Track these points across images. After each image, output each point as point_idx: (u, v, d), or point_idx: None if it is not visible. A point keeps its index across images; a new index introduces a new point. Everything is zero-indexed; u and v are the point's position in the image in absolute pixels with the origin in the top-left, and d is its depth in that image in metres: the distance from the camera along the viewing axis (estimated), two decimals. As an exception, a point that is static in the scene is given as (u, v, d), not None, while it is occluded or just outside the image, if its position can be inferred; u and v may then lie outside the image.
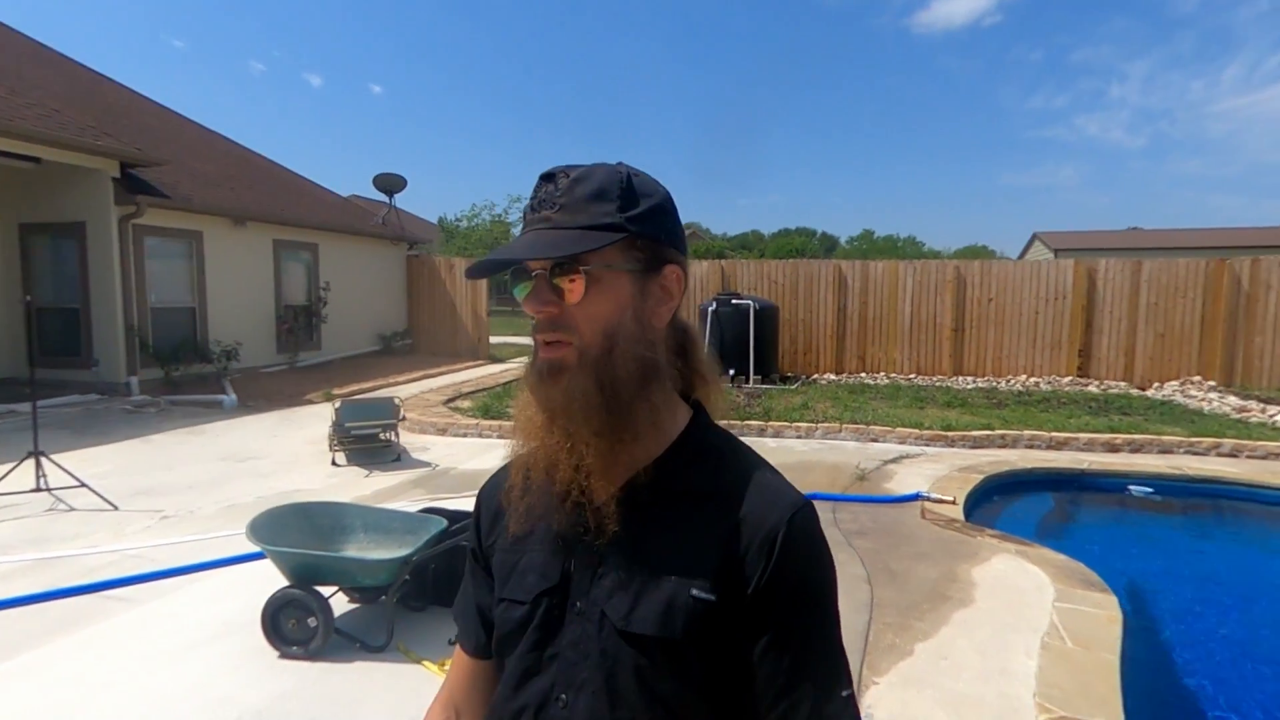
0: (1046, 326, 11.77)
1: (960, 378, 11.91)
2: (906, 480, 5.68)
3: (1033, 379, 11.61)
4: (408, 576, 2.92)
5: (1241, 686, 3.22)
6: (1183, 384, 10.96)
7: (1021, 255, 34.67)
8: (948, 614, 3.33)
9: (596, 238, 0.69)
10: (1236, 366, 11.13)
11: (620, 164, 0.75)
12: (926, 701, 2.61)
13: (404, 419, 6.97)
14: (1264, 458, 6.44)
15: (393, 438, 6.63)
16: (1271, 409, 8.90)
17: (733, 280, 13.21)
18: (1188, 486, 5.80)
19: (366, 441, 6.45)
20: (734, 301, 11.20)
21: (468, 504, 5.19)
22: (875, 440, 7.23)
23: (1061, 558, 3.96)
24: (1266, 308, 11.04)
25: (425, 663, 2.85)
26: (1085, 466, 6.15)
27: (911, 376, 12.04)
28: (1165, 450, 6.70)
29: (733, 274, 13.34)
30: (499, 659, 0.78)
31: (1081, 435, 6.97)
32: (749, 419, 7.76)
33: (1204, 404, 9.50)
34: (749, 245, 54.87)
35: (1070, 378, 11.52)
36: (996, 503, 5.58)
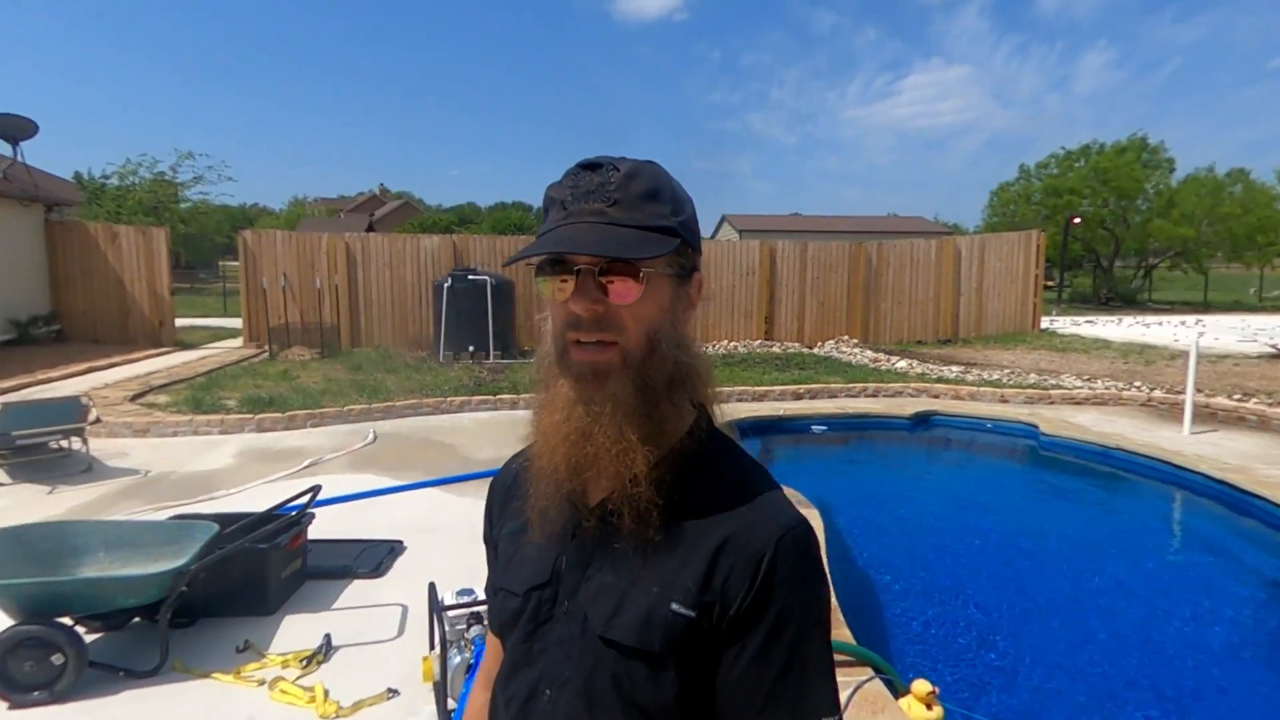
0: (741, 298, 13.80)
1: (677, 345, 13.42)
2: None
3: (733, 344, 13.56)
4: (185, 588, 2.63)
5: (897, 560, 4.42)
6: (837, 342, 13.75)
7: (713, 235, 39.56)
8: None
9: (661, 241, 0.67)
10: (870, 327, 14.29)
11: (650, 163, 0.73)
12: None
13: (97, 421, 5.80)
14: (893, 395, 8.55)
15: (75, 445, 5.50)
16: (894, 358, 11.70)
17: (465, 255, 13.07)
18: (848, 421, 7.50)
19: (35, 452, 5.27)
20: (470, 277, 11.14)
21: (221, 507, 4.59)
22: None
23: (788, 491, 4.93)
24: (888, 281, 14.33)
25: (215, 674, 2.62)
26: (782, 413, 7.56)
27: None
28: (833, 395, 8.51)
29: (465, 249, 13.20)
30: (502, 643, 0.80)
31: (776, 388, 8.50)
32: (499, 393, 7.94)
33: (852, 357, 12.08)
34: (468, 219, 53.74)
35: (760, 340, 13.70)
36: (722, 448, 6.61)
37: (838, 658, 2.67)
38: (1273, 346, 11.33)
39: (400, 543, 3.96)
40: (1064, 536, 5.01)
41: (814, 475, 6.07)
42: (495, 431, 6.72)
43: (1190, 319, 18.12)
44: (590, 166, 0.70)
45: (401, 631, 3.08)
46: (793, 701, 0.66)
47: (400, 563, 3.75)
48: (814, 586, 0.68)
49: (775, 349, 13.08)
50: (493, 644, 0.89)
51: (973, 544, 4.82)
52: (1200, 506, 5.29)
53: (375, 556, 3.71)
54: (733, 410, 7.45)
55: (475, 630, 2.29)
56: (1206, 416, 7.18)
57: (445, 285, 10.91)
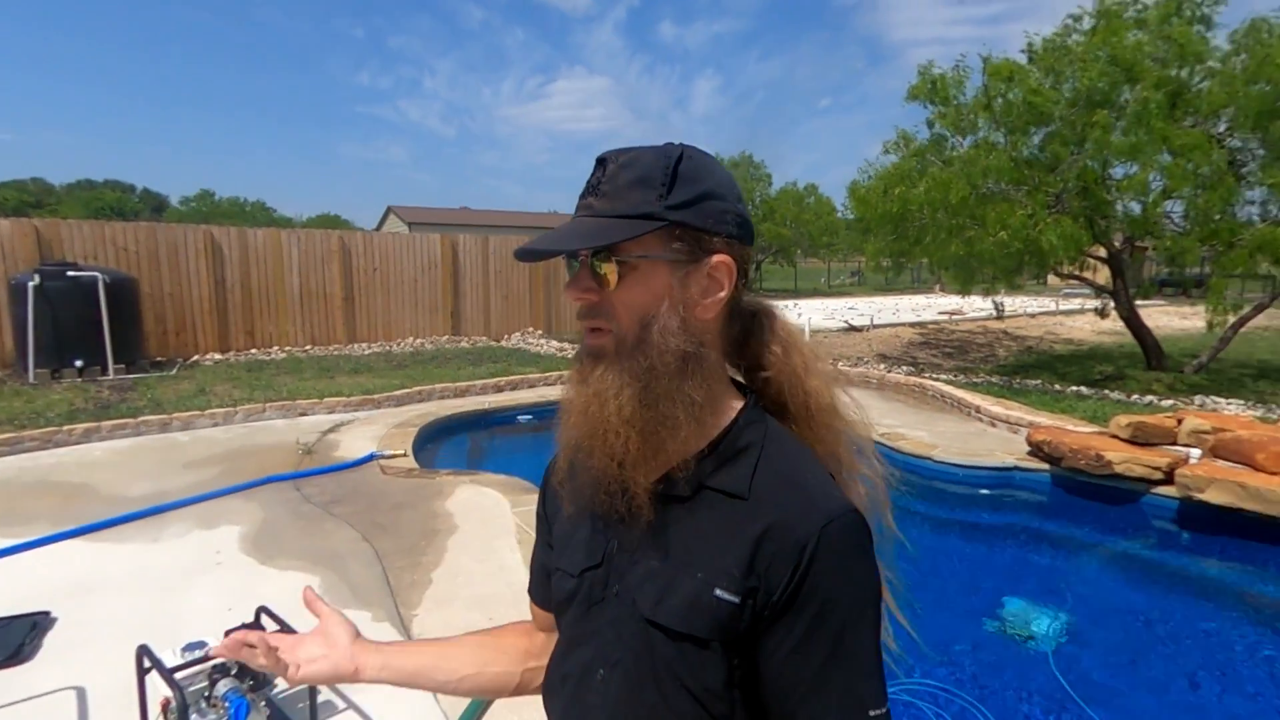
0: (425, 293, 13.34)
1: (356, 345, 12.43)
2: (354, 445, 5.93)
3: (419, 340, 13.06)
4: None
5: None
6: (523, 335, 14.19)
7: (379, 227, 37.19)
8: (444, 543, 3.89)
9: (630, 227, 0.68)
10: (553, 318, 15.04)
11: (679, 145, 0.72)
12: (459, 609, 3.13)
13: None
14: (585, 381, 9.19)
15: None
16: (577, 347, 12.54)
17: (57, 246, 10.25)
18: (552, 409, 7.84)
19: None
20: (70, 274, 8.82)
21: None
22: (305, 414, 7.13)
23: (502, 477, 5.01)
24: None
25: None
26: (488, 406, 7.59)
27: (308, 348, 11.92)
28: (532, 385, 8.82)
29: (56, 237, 10.34)
30: (557, 621, 0.84)
31: (476, 382, 8.48)
32: (139, 414, 6.49)
33: (540, 348, 12.60)
34: (40, 200, 41.86)
35: (447, 336, 13.44)
36: (435, 447, 6.42)
37: None
38: (846, 323, 14.94)
39: (46, 614, 3.06)
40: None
41: (532, 463, 6.26)
42: (147, 461, 5.51)
43: (789, 303, 22.84)
44: (600, 161, 0.73)
45: (81, 722, 2.43)
46: (837, 691, 0.65)
47: (53, 639, 2.92)
48: (861, 576, 0.67)
49: (464, 344, 12.98)
50: (536, 613, 0.94)
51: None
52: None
53: (10, 638, 2.82)
54: (438, 408, 7.33)
55: (226, 685, 1.95)
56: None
57: (31, 284, 8.46)
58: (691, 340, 0.70)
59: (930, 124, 10.59)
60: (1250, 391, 8.60)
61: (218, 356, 10.91)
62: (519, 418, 7.56)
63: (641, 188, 0.69)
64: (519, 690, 0.92)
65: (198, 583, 3.43)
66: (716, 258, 0.70)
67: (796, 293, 29.72)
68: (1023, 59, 9.62)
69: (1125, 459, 4.65)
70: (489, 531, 4.04)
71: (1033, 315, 17.34)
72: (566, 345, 12.59)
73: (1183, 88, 8.53)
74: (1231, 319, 8.98)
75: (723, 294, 0.72)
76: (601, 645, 0.74)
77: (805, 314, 18.05)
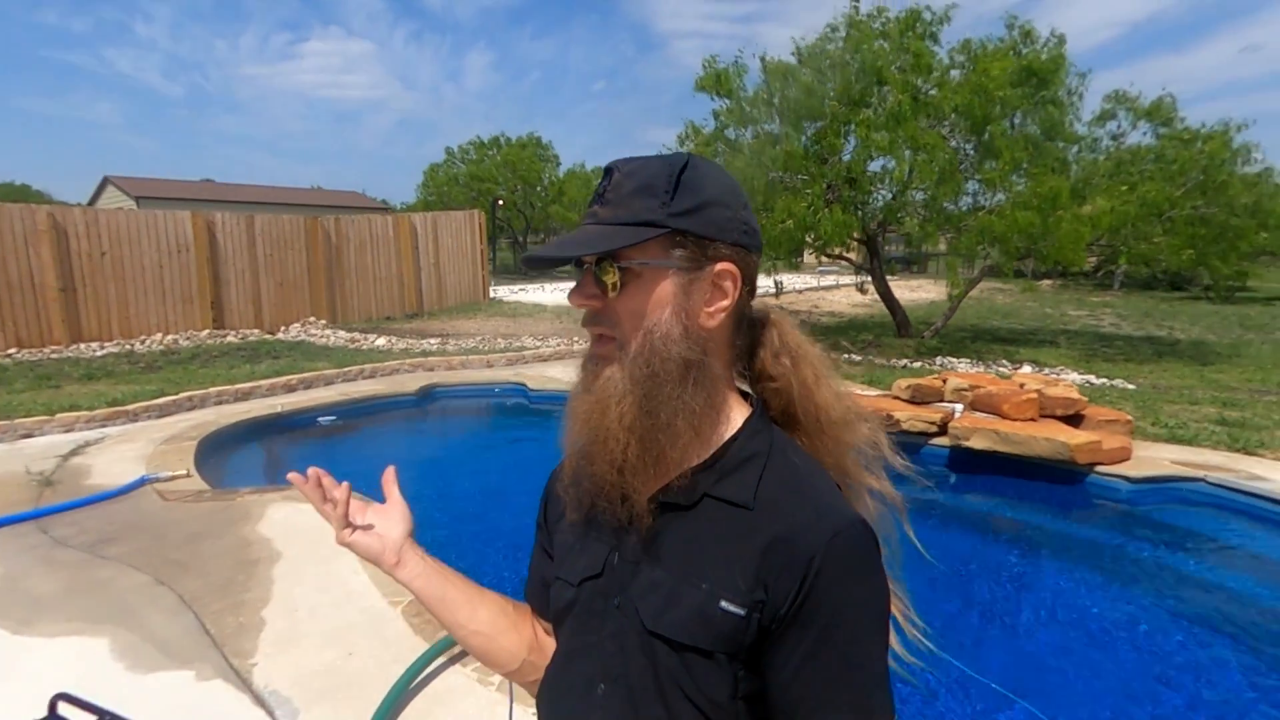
0: (175, 280, 11.39)
1: (84, 345, 10.27)
2: (112, 469, 4.89)
3: (170, 336, 11.14)
4: None
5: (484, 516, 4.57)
6: (304, 325, 12.74)
7: (93, 201, 30.87)
8: (267, 574, 3.36)
9: (631, 234, 0.68)
10: (338, 306, 13.69)
11: (685, 155, 0.73)
12: (311, 649, 2.73)
13: None
14: (390, 374, 8.51)
15: None
16: (370, 337, 11.56)
17: None
18: (357, 407, 7.17)
19: None
20: None
21: None
22: (30, 436, 5.72)
23: (320, 489, 4.46)
24: (350, 258, 13.91)
25: None
26: (280, 409, 6.69)
27: (12, 352, 9.60)
28: (330, 382, 7.95)
29: None
30: (555, 630, 0.83)
31: (262, 383, 7.44)
32: None
33: (326, 340, 11.41)
34: None
35: (208, 330, 11.63)
36: (223, 463, 5.51)
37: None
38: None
39: None
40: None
41: (349, 468, 5.65)
42: None
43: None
44: (607, 170, 0.72)
45: None
46: (846, 704, 0.65)
47: None
48: (869, 589, 0.67)
49: (232, 338, 11.34)
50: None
51: (517, 488, 5.33)
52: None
53: None
54: (216, 416, 6.36)
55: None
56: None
57: None
58: (694, 348, 0.70)
59: (716, 115, 11.31)
60: (970, 351, 10.47)
61: (-128, 369, 8.35)
62: (320, 420, 6.78)
63: (645, 195, 0.69)
64: (515, 675, 0.89)
65: (-80, 675, 2.60)
66: (720, 265, 0.70)
67: (588, 273, 30.29)
68: (793, 60, 10.62)
69: (910, 417, 5.41)
70: (322, 554, 3.57)
71: (800, 291, 19.40)
72: (359, 335, 11.55)
73: (919, 94, 9.99)
74: (962, 289, 10.80)
75: (727, 302, 0.71)
76: (603, 658, 0.73)
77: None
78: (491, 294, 17.64)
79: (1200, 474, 4.79)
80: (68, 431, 5.91)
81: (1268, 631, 3.42)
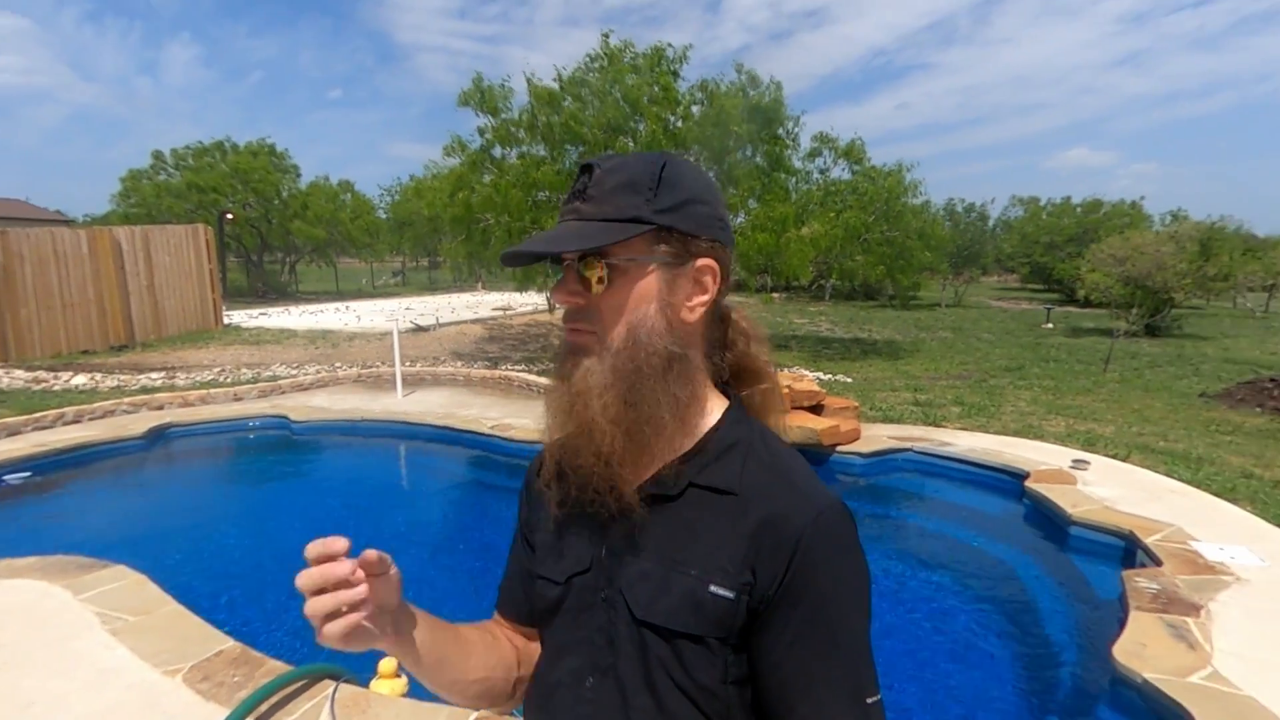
0: None
1: None
2: None
3: None
4: None
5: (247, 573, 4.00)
6: (-41, 365, 10.05)
7: None
8: (-25, 671, 2.66)
9: (618, 230, 0.69)
10: (10, 340, 11.03)
11: (663, 154, 0.74)
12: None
13: None
14: (103, 416, 7.10)
15: None
16: (64, 375, 9.52)
17: None
18: (62, 459, 5.88)
19: None
20: None
21: None
22: None
23: (36, 559, 3.61)
24: (27, 280, 11.29)
25: None
26: (-55, 471, 5.24)
27: None
28: (14, 432, 6.39)
29: None
30: (540, 631, 0.82)
31: (-91, 439, 5.76)
32: None
33: (1, 382, 9.15)
34: None
35: None
36: None
37: (291, 689, 2.48)
38: (413, 323, 14.79)
39: None
40: (341, 497, 5.58)
41: (75, 527, 4.61)
42: None
43: (341, 305, 21.38)
44: (585, 168, 0.73)
45: None
46: (836, 682, 0.66)
47: None
48: (852, 567, 0.69)
49: None
50: (503, 629, 0.89)
51: (290, 526, 4.79)
52: (428, 447, 6.76)
53: None
54: None
55: None
56: (411, 381, 8.95)
57: None
58: (677, 342, 0.72)
59: (481, 133, 11.29)
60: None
61: None
62: (6, 479, 5.45)
63: (629, 192, 0.70)
64: (509, 703, 0.85)
65: None
66: (702, 261, 0.72)
67: (340, 294, 27.93)
68: (555, 86, 11.02)
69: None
70: (53, 634, 2.91)
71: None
72: (45, 375, 9.44)
73: (668, 125, 10.97)
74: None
75: (707, 297, 0.73)
76: (591, 652, 0.74)
77: (364, 317, 17.19)
78: (226, 319, 15.50)
79: (909, 445, 5.93)
80: None
81: (967, 560, 4.37)
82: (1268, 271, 17.64)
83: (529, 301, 20.25)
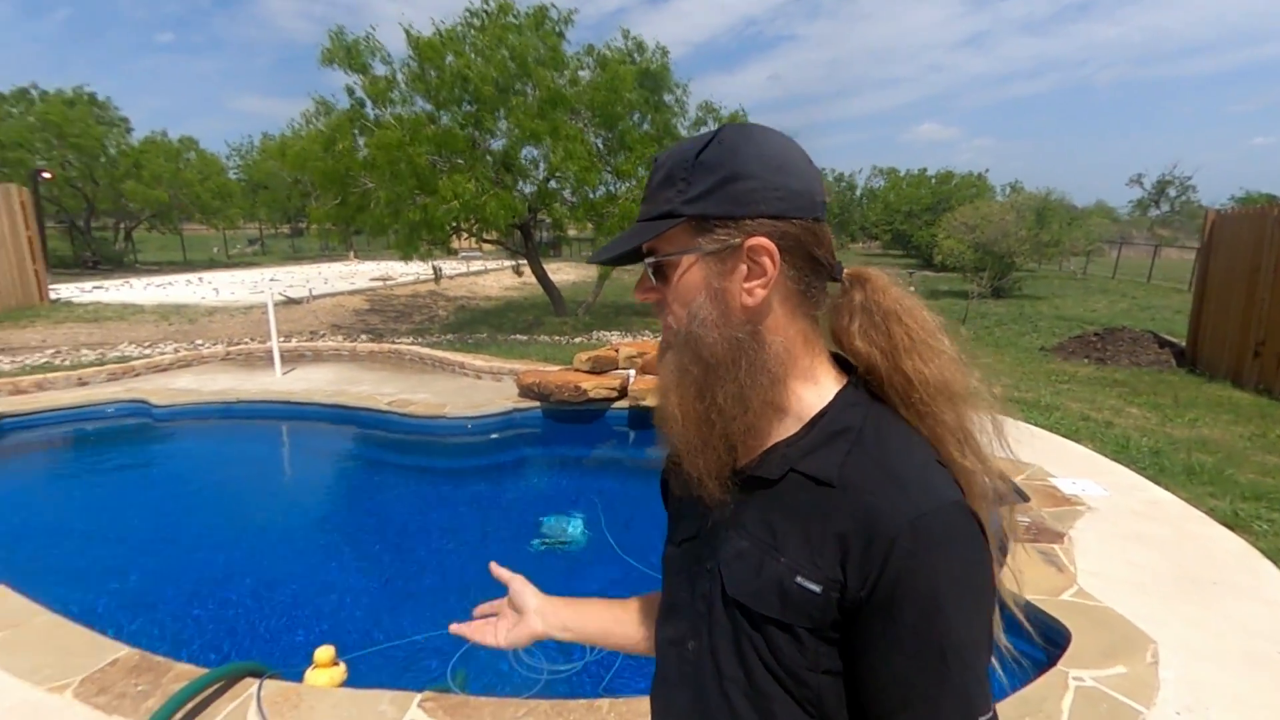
0: None
1: None
2: None
3: None
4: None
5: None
6: None
7: None
8: None
9: (652, 229, 0.71)
10: None
11: (716, 130, 0.72)
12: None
13: None
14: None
15: None
16: None
17: None
18: None
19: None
20: None
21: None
22: None
23: None
24: None
25: None
26: None
27: None
28: None
29: None
30: (663, 585, 0.87)
31: None
32: None
33: None
34: None
35: None
36: None
37: (209, 693, 2.31)
38: (283, 295, 13.68)
39: None
40: (219, 487, 5.19)
41: None
42: None
43: (193, 277, 19.39)
44: (651, 163, 0.76)
45: None
46: (940, 697, 0.62)
47: None
48: (960, 573, 0.63)
49: None
50: None
51: (158, 522, 4.37)
52: (318, 427, 6.36)
53: None
54: None
55: None
56: (290, 358, 8.29)
57: None
58: (742, 328, 0.70)
59: (350, 91, 10.51)
60: (618, 324, 11.76)
61: None
62: None
63: (667, 186, 0.71)
64: None
65: None
66: (751, 241, 0.68)
67: (189, 265, 25.29)
68: (436, 39, 10.41)
69: (595, 385, 5.93)
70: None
71: (451, 277, 19.20)
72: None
73: (556, 88, 10.71)
74: (609, 271, 11.99)
75: (765, 278, 0.69)
76: (694, 617, 0.76)
77: (222, 289, 15.71)
78: (53, 294, 13.65)
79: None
80: None
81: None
82: (1088, 238, 19.96)
83: (411, 271, 19.30)
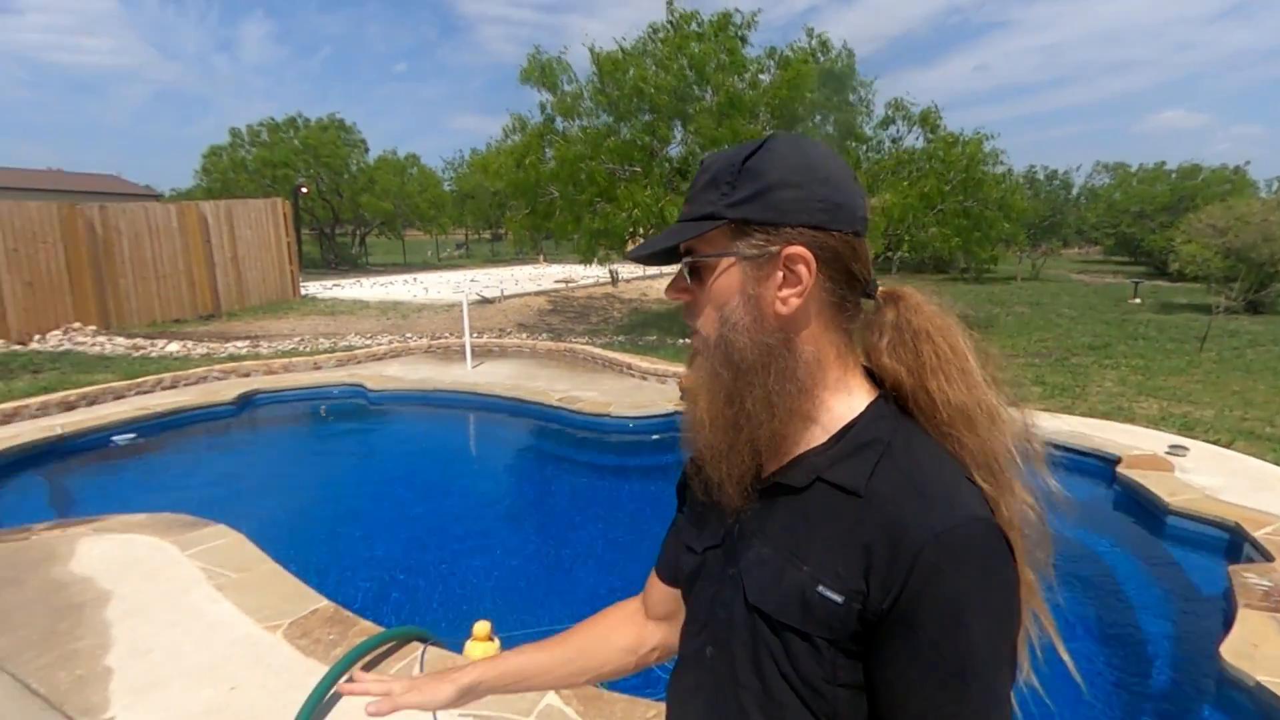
0: (-122, 283, 9.11)
1: None
2: None
3: (-124, 352, 8.91)
4: None
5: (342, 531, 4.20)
6: (66, 332, 10.80)
7: None
8: (99, 616, 2.87)
9: (694, 228, 0.71)
10: (111, 309, 11.77)
11: (766, 137, 0.72)
12: (182, 691, 2.40)
13: None
14: (197, 383, 7.52)
15: None
16: (159, 342, 10.11)
17: None
18: (163, 422, 6.27)
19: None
20: None
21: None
22: None
23: (145, 516, 3.88)
24: (124, 252, 12.00)
25: None
26: (60, 431, 5.65)
27: None
28: (120, 396, 6.85)
29: None
30: (684, 596, 0.85)
31: (29, 401, 6.24)
32: None
33: (101, 348, 9.79)
34: None
35: (-68, 343, 9.46)
36: (-4, 499, 4.56)
37: (382, 650, 2.57)
38: (479, 295, 15.06)
39: None
40: (414, 465, 5.76)
41: (156, 494, 4.92)
42: None
43: (409, 277, 21.95)
44: (699, 165, 0.76)
45: None
46: (954, 715, 0.61)
47: None
48: (983, 595, 0.61)
49: (-30, 351, 9.32)
50: (651, 582, 0.97)
51: (369, 494, 5.00)
52: (496, 417, 6.90)
53: None
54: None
55: None
56: (479, 352, 9.14)
57: None
58: (773, 335, 0.70)
59: (543, 108, 11.27)
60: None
61: None
62: (116, 439, 5.84)
63: (711, 188, 0.71)
64: (635, 669, 0.99)
65: None
66: (790, 249, 0.68)
67: (408, 266, 28.66)
68: (619, 54, 10.87)
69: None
70: (165, 588, 3.12)
71: (628, 280, 19.92)
72: (143, 342, 10.04)
73: (736, 92, 10.71)
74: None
75: (801, 286, 0.69)
76: (714, 625, 0.76)
77: (431, 289, 17.61)
78: (303, 290, 16.14)
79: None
80: None
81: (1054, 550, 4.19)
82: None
83: (591, 274, 20.29)
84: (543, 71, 10.81)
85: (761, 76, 11.49)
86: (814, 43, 11.71)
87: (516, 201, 10.73)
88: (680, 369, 7.62)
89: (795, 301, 0.69)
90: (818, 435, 0.72)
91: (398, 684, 0.89)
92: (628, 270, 23.49)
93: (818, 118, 11.67)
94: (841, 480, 0.68)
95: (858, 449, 0.69)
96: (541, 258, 32.07)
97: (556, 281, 19.36)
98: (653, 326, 12.10)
